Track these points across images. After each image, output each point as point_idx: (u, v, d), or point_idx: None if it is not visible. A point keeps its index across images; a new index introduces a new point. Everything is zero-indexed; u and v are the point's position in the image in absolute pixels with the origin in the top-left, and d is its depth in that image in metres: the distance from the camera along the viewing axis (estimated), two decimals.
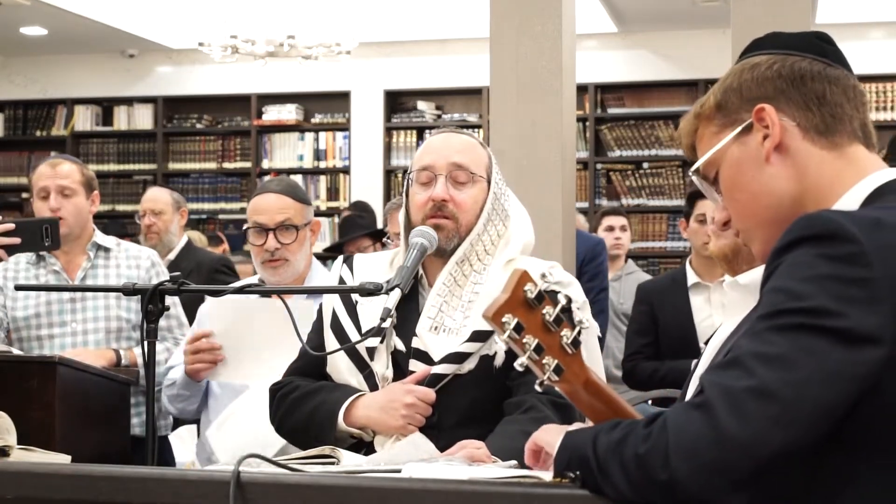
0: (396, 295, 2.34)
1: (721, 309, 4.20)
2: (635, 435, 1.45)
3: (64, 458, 2.19)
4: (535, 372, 1.60)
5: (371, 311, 2.54)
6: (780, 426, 1.37)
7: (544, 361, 1.58)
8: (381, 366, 2.52)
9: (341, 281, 2.65)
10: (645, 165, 9.19)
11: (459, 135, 2.64)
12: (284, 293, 3.16)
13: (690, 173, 1.71)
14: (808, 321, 1.39)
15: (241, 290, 2.70)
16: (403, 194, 2.64)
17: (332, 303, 2.63)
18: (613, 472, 1.45)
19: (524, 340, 1.57)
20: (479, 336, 2.46)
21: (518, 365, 1.59)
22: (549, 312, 1.58)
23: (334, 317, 2.60)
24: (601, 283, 5.47)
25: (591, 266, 5.42)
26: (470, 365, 2.46)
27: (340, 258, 2.74)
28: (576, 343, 1.60)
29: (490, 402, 2.44)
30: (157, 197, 5.86)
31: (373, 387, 2.52)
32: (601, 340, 5.41)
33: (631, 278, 6.25)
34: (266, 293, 3.23)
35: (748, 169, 1.62)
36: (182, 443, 4.05)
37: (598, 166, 9.29)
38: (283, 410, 2.60)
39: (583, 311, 2.48)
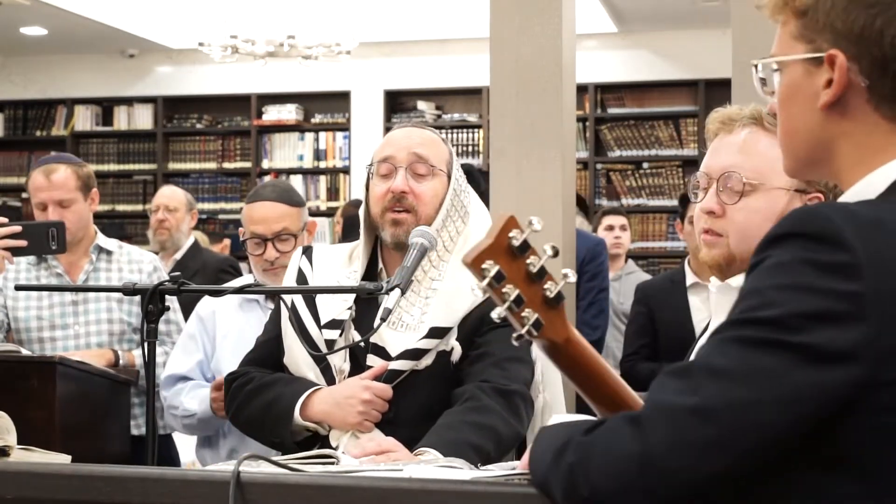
0: (396, 295, 2.34)
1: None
2: (574, 442, 1.38)
3: (64, 458, 2.19)
4: (513, 325, 1.51)
5: (329, 302, 2.54)
6: (716, 451, 1.28)
7: (523, 314, 1.49)
8: (339, 359, 2.51)
9: (300, 272, 2.63)
10: (645, 165, 9.19)
11: (421, 129, 2.64)
12: (284, 293, 3.17)
13: (752, 63, 1.57)
14: (772, 336, 1.29)
15: (240, 290, 2.70)
16: (364, 187, 2.62)
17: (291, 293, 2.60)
18: (552, 480, 1.40)
19: (504, 290, 1.47)
20: (437, 332, 2.46)
21: (495, 316, 1.50)
22: (534, 263, 1.49)
23: (293, 307, 2.58)
24: (601, 283, 5.47)
25: (591, 266, 5.42)
26: (427, 361, 2.46)
27: (300, 249, 2.72)
28: (558, 297, 1.51)
29: (447, 398, 2.44)
30: (174, 194, 5.92)
31: (329, 380, 2.51)
32: (601, 341, 5.42)
33: (631, 278, 6.25)
34: (266, 293, 3.24)
35: (801, 101, 1.49)
36: (182, 443, 4.06)
37: (598, 166, 9.29)
38: (239, 402, 2.58)
39: None
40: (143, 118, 10.03)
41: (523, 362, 2.49)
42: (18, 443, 2.17)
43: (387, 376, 2.45)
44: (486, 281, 1.47)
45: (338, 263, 2.61)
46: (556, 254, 1.51)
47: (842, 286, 1.28)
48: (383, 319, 2.35)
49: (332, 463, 1.98)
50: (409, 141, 2.57)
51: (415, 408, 2.44)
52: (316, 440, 2.47)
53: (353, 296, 2.51)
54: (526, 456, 1.62)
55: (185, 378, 3.32)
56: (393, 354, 2.46)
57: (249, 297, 3.31)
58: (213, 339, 3.33)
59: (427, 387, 2.46)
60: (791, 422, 1.29)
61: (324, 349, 2.51)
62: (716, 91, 8.56)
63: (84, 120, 10.09)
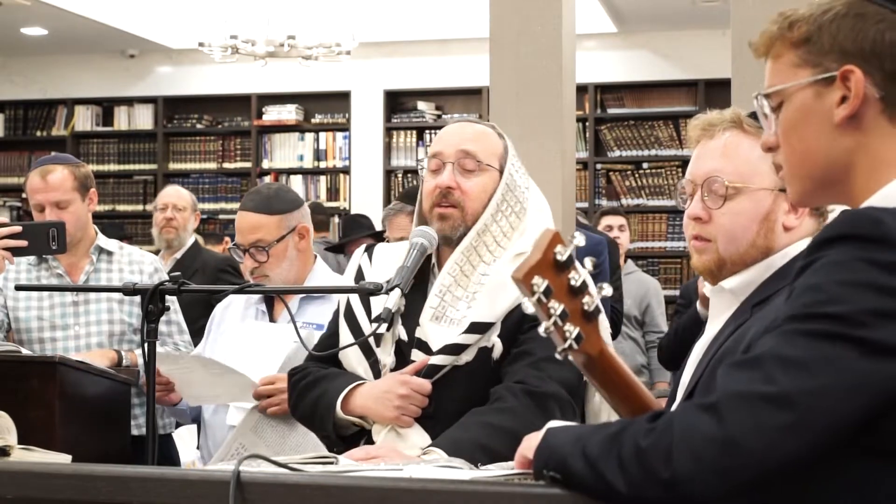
0: (396, 295, 2.34)
1: None
2: (636, 429, 1.41)
3: (64, 458, 2.19)
4: (555, 340, 1.54)
5: (382, 301, 2.52)
6: (793, 436, 1.35)
7: (566, 328, 1.52)
8: (385, 354, 2.51)
9: (359, 269, 2.64)
10: (645, 165, 9.19)
11: (474, 124, 2.62)
12: (285, 293, 3.18)
13: (754, 95, 1.61)
14: (836, 329, 1.36)
15: (240, 290, 2.71)
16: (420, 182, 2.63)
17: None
18: (609, 468, 1.41)
19: (550, 305, 1.51)
20: (477, 328, 2.44)
21: (542, 331, 1.53)
22: (575, 278, 1.52)
23: (348, 306, 2.60)
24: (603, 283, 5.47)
25: None
26: (467, 357, 2.44)
27: (362, 247, 2.73)
28: (596, 311, 1.54)
29: (487, 395, 2.42)
30: (181, 194, 5.95)
31: (377, 375, 2.51)
32: None
33: (631, 278, 6.25)
34: (266, 293, 3.25)
35: (814, 122, 1.52)
36: (182, 443, 4.07)
37: (598, 166, 9.29)
38: (295, 397, 2.63)
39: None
40: (143, 118, 10.03)
41: (563, 363, 2.47)
42: (18, 443, 2.16)
43: (426, 371, 2.44)
44: (536, 296, 1.50)
45: (395, 259, 2.57)
46: (596, 268, 1.55)
47: None
48: (383, 319, 2.36)
49: (332, 463, 1.99)
50: (458, 136, 2.56)
51: (454, 404, 2.41)
52: (362, 435, 2.48)
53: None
54: (520, 454, 1.62)
55: None
56: (434, 349, 2.45)
57: (251, 298, 3.35)
58: (218, 333, 3.37)
59: (467, 383, 2.43)
60: (857, 410, 1.36)
61: (372, 345, 2.53)
62: (716, 91, 8.56)
63: (84, 120, 10.09)
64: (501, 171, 2.55)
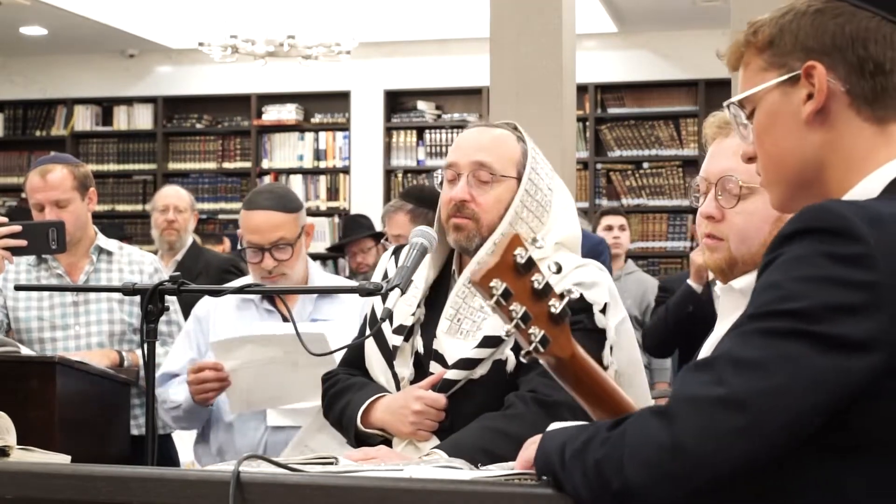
0: (396, 295, 2.34)
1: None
2: (597, 439, 1.40)
3: (64, 458, 2.19)
4: (521, 342, 1.54)
5: (402, 308, 2.52)
6: (745, 438, 1.32)
7: (530, 331, 1.51)
8: (403, 366, 2.51)
9: (385, 273, 2.62)
10: (645, 165, 9.19)
11: (492, 129, 2.56)
12: (285, 293, 3.17)
13: (725, 105, 1.61)
14: (794, 326, 1.33)
15: (240, 290, 2.71)
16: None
17: (376, 298, 2.59)
18: (575, 478, 1.41)
19: (511, 308, 1.50)
20: (490, 342, 2.41)
21: (504, 334, 1.54)
22: (539, 280, 1.51)
23: (373, 311, 2.60)
24: None
25: None
26: (482, 370, 2.42)
27: (391, 248, 2.73)
28: (563, 314, 1.53)
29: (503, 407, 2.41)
30: (181, 195, 5.86)
31: (398, 386, 2.51)
32: None
33: (631, 278, 6.25)
34: (266, 293, 3.24)
35: (784, 122, 1.51)
36: (182, 443, 4.05)
37: (598, 166, 9.29)
38: (325, 404, 2.65)
39: (606, 314, 2.41)
40: (143, 118, 10.03)
41: None
42: (18, 443, 2.16)
43: (441, 385, 2.43)
44: (494, 299, 1.49)
45: (421, 265, 2.56)
46: (559, 270, 1.54)
47: (858, 276, 1.32)
48: (383, 319, 2.35)
49: (332, 463, 1.98)
50: (474, 146, 2.51)
51: (471, 417, 2.39)
52: (388, 444, 2.47)
53: (418, 301, 2.51)
54: (522, 456, 1.62)
55: (176, 375, 3.32)
56: (449, 363, 2.44)
57: (246, 298, 3.31)
58: (207, 337, 3.33)
59: (484, 395, 2.41)
60: (815, 408, 1.32)
61: (390, 358, 2.53)
62: (716, 91, 8.57)
63: (84, 120, 10.09)
64: (520, 178, 2.50)
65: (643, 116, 9.21)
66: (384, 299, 2.41)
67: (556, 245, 2.50)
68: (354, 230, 6.41)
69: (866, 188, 1.46)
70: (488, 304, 1.52)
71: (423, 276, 2.55)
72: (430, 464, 2.06)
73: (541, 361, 1.57)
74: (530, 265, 1.51)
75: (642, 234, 9.09)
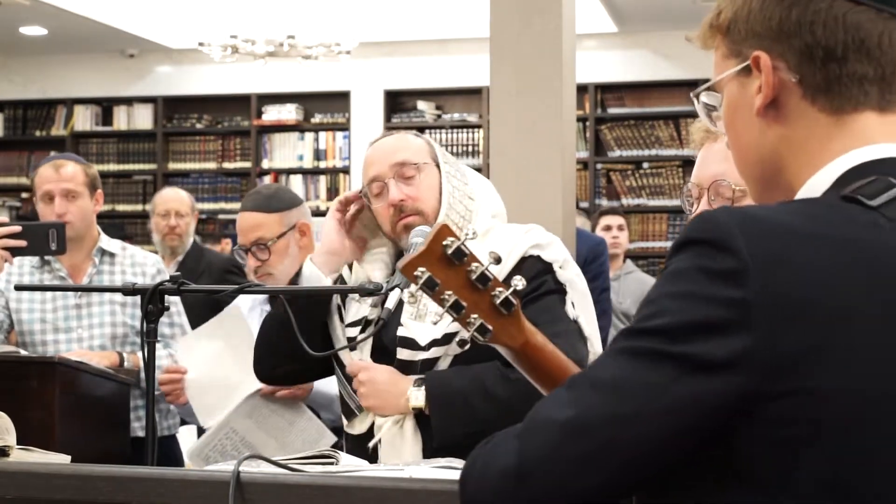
0: (396, 295, 2.34)
1: None
2: (476, 448, 1.33)
3: (64, 458, 2.19)
4: (462, 329, 1.55)
5: (355, 303, 2.60)
6: (591, 467, 1.21)
7: (468, 320, 1.51)
8: (361, 354, 2.55)
9: (340, 276, 2.67)
10: (645, 165, 9.20)
11: (389, 135, 2.68)
12: (285, 293, 3.18)
13: (692, 95, 1.51)
14: (656, 345, 1.21)
15: (240, 290, 2.70)
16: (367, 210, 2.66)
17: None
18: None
19: (442, 296, 1.50)
20: None
21: (432, 320, 1.54)
22: (474, 269, 1.50)
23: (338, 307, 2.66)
24: (603, 284, 5.46)
25: (593, 266, 5.40)
26: (459, 344, 2.44)
27: None
28: (506, 304, 1.51)
29: None
30: (181, 198, 5.71)
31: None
32: (604, 342, 5.41)
33: (630, 278, 6.25)
34: (265, 293, 3.25)
35: (742, 115, 1.39)
36: (186, 444, 4.05)
37: (598, 166, 9.29)
38: None
39: (565, 269, 2.49)
40: (142, 118, 10.03)
41: (574, 332, 2.47)
42: (18, 443, 2.16)
43: (423, 366, 2.45)
44: (417, 287, 1.50)
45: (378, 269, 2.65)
46: (497, 261, 1.52)
47: (726, 293, 1.20)
48: (383, 319, 2.36)
49: (332, 463, 1.99)
50: (385, 153, 2.60)
51: None
52: (370, 436, 2.50)
53: (373, 298, 2.55)
54: None
55: None
56: (423, 344, 2.46)
57: (256, 298, 3.37)
58: None
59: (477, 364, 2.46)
60: (671, 435, 1.22)
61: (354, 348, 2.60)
62: None
63: (84, 120, 10.09)
64: (437, 164, 2.61)
65: (643, 116, 9.21)
66: (384, 299, 2.43)
67: (493, 217, 2.59)
68: None
69: (816, 183, 1.33)
70: (411, 291, 1.53)
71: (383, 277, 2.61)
72: (430, 464, 2.06)
73: (498, 348, 1.57)
74: (460, 255, 1.50)
75: (642, 234, 9.09)
